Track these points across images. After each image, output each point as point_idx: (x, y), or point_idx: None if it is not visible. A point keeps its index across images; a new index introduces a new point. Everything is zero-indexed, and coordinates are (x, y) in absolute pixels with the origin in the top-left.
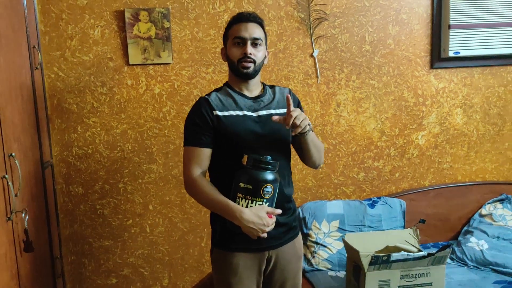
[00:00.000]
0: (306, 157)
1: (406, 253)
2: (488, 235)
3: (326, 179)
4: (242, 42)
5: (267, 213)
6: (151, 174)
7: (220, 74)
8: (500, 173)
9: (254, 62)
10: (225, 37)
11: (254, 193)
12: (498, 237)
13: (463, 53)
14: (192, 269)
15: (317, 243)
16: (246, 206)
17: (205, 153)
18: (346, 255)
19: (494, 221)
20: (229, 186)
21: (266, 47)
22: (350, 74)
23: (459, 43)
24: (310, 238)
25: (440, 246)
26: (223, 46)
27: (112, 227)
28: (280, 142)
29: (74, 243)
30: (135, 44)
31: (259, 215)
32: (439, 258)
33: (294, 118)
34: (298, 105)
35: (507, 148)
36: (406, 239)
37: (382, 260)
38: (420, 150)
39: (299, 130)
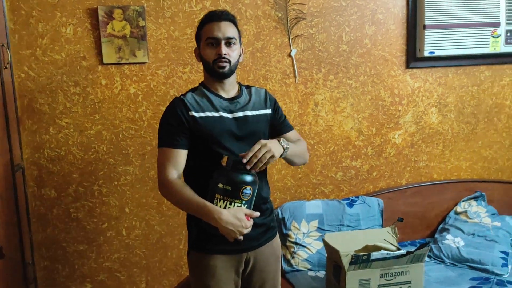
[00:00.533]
0: (289, 163)
1: (386, 252)
2: (463, 232)
3: (304, 179)
4: (216, 42)
5: (245, 215)
6: (127, 176)
7: (197, 73)
8: (474, 171)
9: (230, 61)
10: (198, 37)
11: (233, 195)
12: (473, 234)
13: (438, 53)
14: (170, 272)
15: (296, 243)
16: (224, 207)
17: (181, 155)
18: (326, 255)
19: (469, 218)
20: (204, 187)
21: (240, 44)
22: (327, 73)
23: (434, 43)
24: (289, 239)
25: (418, 244)
26: (196, 47)
27: (86, 231)
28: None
29: (47, 248)
30: (109, 43)
31: (237, 217)
32: (417, 256)
33: (252, 155)
34: (274, 104)
35: (481, 146)
36: (385, 238)
37: (362, 259)
38: (396, 149)
39: (260, 165)
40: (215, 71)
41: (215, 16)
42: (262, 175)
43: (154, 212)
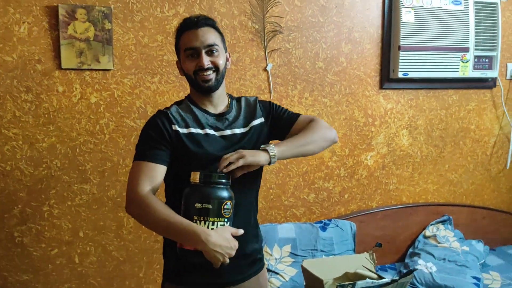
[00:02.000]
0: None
1: (371, 280)
2: (434, 257)
3: (276, 200)
4: (196, 53)
5: (231, 234)
6: (83, 195)
7: (167, 84)
8: (441, 194)
9: (216, 70)
10: (177, 49)
11: (215, 213)
12: (444, 259)
13: (411, 75)
14: None
15: (269, 270)
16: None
17: (159, 170)
18: (304, 283)
19: (439, 243)
20: None
21: (225, 49)
22: (303, 91)
23: (408, 65)
24: None
25: (387, 270)
26: (177, 59)
27: (32, 258)
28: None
29: None
30: (70, 45)
31: (225, 237)
32: (401, 284)
33: (231, 162)
34: (268, 109)
35: (447, 169)
36: (363, 264)
37: None
38: (368, 171)
39: (233, 167)
40: (200, 85)
41: (191, 23)
42: (254, 198)
43: (112, 236)
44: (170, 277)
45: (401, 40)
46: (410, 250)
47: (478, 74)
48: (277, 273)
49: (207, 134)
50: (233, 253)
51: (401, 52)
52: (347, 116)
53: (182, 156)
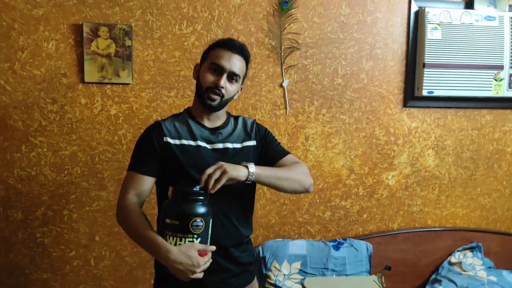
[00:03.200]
0: (278, 190)
1: None
2: (456, 285)
3: (290, 216)
4: (219, 71)
5: (199, 251)
6: (100, 201)
7: (183, 99)
8: (471, 219)
9: (222, 96)
10: (205, 56)
11: (182, 229)
12: None
13: (437, 93)
14: None
15: (276, 285)
16: (175, 244)
17: (146, 181)
18: None
19: (464, 271)
20: None
21: (242, 83)
22: (320, 107)
23: (433, 83)
24: (269, 280)
25: None
26: (198, 63)
27: (52, 258)
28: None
29: (8, 274)
30: (92, 61)
31: (188, 254)
32: None
33: (208, 176)
34: (263, 135)
35: (479, 193)
36: (370, 287)
37: None
38: (389, 191)
39: (217, 185)
40: (204, 101)
41: (231, 45)
42: (243, 212)
43: (126, 242)
44: (159, 285)
45: (426, 57)
46: (433, 276)
47: None
48: None
49: (198, 146)
50: (196, 270)
51: (425, 70)
52: (367, 134)
53: (173, 167)
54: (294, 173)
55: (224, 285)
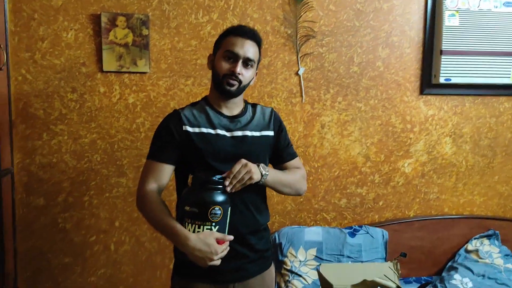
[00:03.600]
0: (276, 191)
1: None
2: (473, 273)
3: (306, 203)
4: (234, 58)
5: (217, 239)
6: (119, 188)
7: (200, 87)
8: (489, 207)
9: (240, 82)
10: (217, 45)
11: (201, 217)
12: (483, 276)
13: (454, 80)
14: None
15: (292, 271)
16: (193, 232)
17: (165, 170)
18: (320, 287)
19: (480, 258)
20: None
21: (256, 68)
22: (336, 95)
23: (450, 70)
24: (285, 266)
25: (423, 281)
26: (211, 53)
27: (73, 243)
28: None
29: (31, 258)
30: (111, 50)
31: (206, 242)
32: None
33: (233, 176)
34: (279, 125)
35: (497, 181)
36: (385, 273)
37: None
38: (406, 179)
39: (238, 186)
40: (222, 87)
41: (242, 32)
42: (259, 200)
43: (145, 228)
44: (178, 271)
45: (443, 44)
46: (449, 263)
47: None
48: (300, 275)
49: (217, 134)
50: (215, 257)
51: (443, 57)
52: (383, 122)
53: (192, 156)
54: (295, 181)
55: (241, 271)
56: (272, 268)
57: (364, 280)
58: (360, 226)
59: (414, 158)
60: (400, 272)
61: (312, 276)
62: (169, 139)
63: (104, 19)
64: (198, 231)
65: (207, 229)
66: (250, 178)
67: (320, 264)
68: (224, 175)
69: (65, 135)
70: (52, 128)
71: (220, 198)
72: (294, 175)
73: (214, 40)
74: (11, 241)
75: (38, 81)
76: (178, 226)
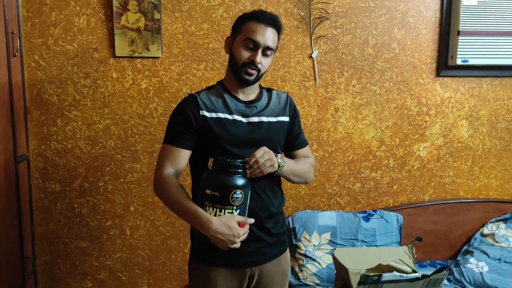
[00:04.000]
0: (286, 180)
1: (399, 273)
2: (489, 257)
3: (319, 188)
4: (254, 46)
5: (238, 222)
6: (134, 173)
7: (212, 71)
8: (505, 190)
9: (259, 70)
10: (236, 29)
11: (222, 201)
12: (499, 260)
13: (471, 62)
14: (174, 276)
15: (306, 256)
16: (215, 215)
17: (182, 154)
18: (335, 271)
19: (496, 242)
20: None
21: (274, 53)
22: (350, 78)
23: (468, 51)
24: (299, 250)
25: (438, 266)
26: (229, 36)
27: (90, 227)
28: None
29: (49, 242)
30: (123, 35)
31: (228, 225)
32: (434, 281)
33: (254, 162)
34: (294, 111)
35: None
36: (400, 258)
37: (372, 280)
38: (421, 163)
39: (257, 172)
40: (241, 76)
41: (263, 18)
42: (275, 184)
43: (160, 212)
44: (196, 255)
45: (460, 25)
46: (465, 247)
47: None
48: (314, 260)
49: (234, 120)
50: (236, 240)
51: (460, 38)
52: (398, 105)
53: (209, 140)
54: (305, 171)
55: (259, 255)
56: (287, 252)
57: (379, 264)
58: (375, 211)
59: (429, 141)
60: (415, 256)
61: (326, 260)
62: (187, 124)
63: (115, 3)
64: (219, 215)
65: (228, 212)
66: (271, 167)
67: (335, 249)
68: (246, 159)
69: (79, 121)
70: (67, 114)
71: (241, 181)
72: (305, 165)
73: (226, 24)
74: (29, 226)
75: (52, 67)
76: (200, 210)
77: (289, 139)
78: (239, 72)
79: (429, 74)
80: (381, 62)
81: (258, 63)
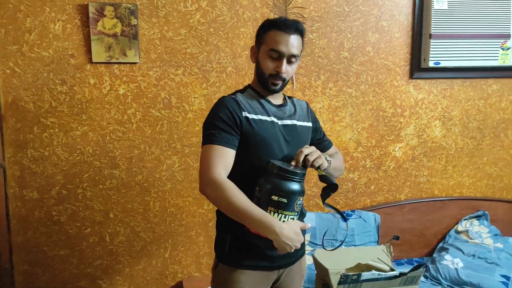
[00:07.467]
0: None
1: (377, 272)
2: (463, 253)
3: None
4: (279, 56)
5: (300, 228)
6: (113, 179)
7: (191, 76)
8: (478, 188)
9: (284, 80)
10: (260, 39)
11: (288, 207)
12: (473, 256)
13: (443, 64)
14: (154, 281)
15: None
16: (279, 220)
17: (231, 155)
18: (316, 272)
19: (470, 238)
20: (251, 192)
21: (299, 56)
22: (327, 81)
23: (439, 53)
24: None
25: (415, 263)
26: (254, 45)
27: (69, 235)
28: None
29: (27, 251)
30: (99, 41)
31: (296, 231)
32: (411, 278)
33: (307, 155)
34: (314, 117)
35: (486, 163)
36: (378, 256)
37: (352, 279)
38: (397, 163)
39: (319, 161)
40: (267, 86)
41: (287, 26)
42: None
43: (139, 218)
44: (225, 259)
45: (432, 28)
46: (440, 244)
47: None
48: None
49: (272, 122)
50: (299, 245)
51: (432, 40)
52: (374, 107)
53: (251, 142)
54: (342, 165)
55: (288, 257)
56: (306, 255)
57: (359, 264)
58: (353, 211)
59: (404, 142)
60: (393, 254)
61: (307, 261)
62: (231, 124)
63: (91, 9)
64: (283, 221)
65: (290, 218)
66: (322, 164)
67: (315, 250)
68: (301, 151)
69: (56, 127)
70: (43, 121)
71: (302, 189)
72: (340, 159)
73: (204, 29)
74: (5, 235)
75: (27, 74)
76: (269, 216)
77: (318, 143)
78: (266, 83)
79: (403, 76)
80: (357, 65)
81: (283, 73)
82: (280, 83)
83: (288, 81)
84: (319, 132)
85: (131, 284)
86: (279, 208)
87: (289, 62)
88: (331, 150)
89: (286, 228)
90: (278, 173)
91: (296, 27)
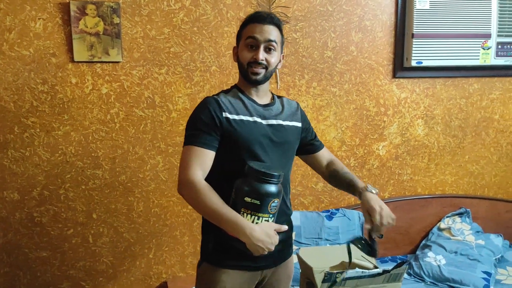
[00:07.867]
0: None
1: (361, 270)
2: (446, 250)
3: None
4: (255, 44)
5: (275, 230)
6: (95, 180)
7: (174, 75)
8: (460, 186)
9: (266, 67)
10: (238, 37)
11: (261, 209)
12: (455, 252)
13: (425, 63)
14: (139, 282)
15: None
16: (252, 222)
17: (209, 156)
18: (300, 270)
19: (453, 236)
20: (229, 196)
21: (281, 51)
22: (311, 80)
23: (422, 53)
24: None
25: (399, 260)
26: (235, 45)
27: (50, 236)
28: (288, 153)
29: (8, 253)
30: (81, 39)
31: (268, 233)
32: (394, 276)
33: (383, 218)
34: (305, 118)
35: (467, 161)
36: (362, 254)
37: (335, 277)
38: (380, 161)
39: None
40: (248, 76)
41: (259, 18)
42: (288, 186)
43: (123, 219)
44: (209, 258)
45: (414, 28)
46: (423, 242)
47: (501, 61)
48: None
49: (255, 122)
50: (272, 247)
51: (414, 40)
52: (358, 106)
53: (231, 142)
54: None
55: (272, 258)
56: (293, 255)
57: (343, 262)
58: (337, 209)
59: (388, 140)
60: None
61: None
62: (211, 125)
63: (73, 7)
64: (257, 222)
65: (265, 220)
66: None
67: (299, 248)
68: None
69: (37, 127)
70: (24, 121)
71: (278, 190)
72: (347, 170)
73: (187, 28)
74: None
75: (7, 73)
76: (241, 217)
77: (306, 143)
78: (247, 74)
79: (386, 75)
80: (340, 65)
81: (262, 60)
82: (261, 71)
83: (271, 73)
84: (311, 133)
85: (115, 285)
86: (252, 209)
87: (268, 50)
88: (326, 154)
89: (258, 230)
90: (252, 175)
91: (270, 18)
